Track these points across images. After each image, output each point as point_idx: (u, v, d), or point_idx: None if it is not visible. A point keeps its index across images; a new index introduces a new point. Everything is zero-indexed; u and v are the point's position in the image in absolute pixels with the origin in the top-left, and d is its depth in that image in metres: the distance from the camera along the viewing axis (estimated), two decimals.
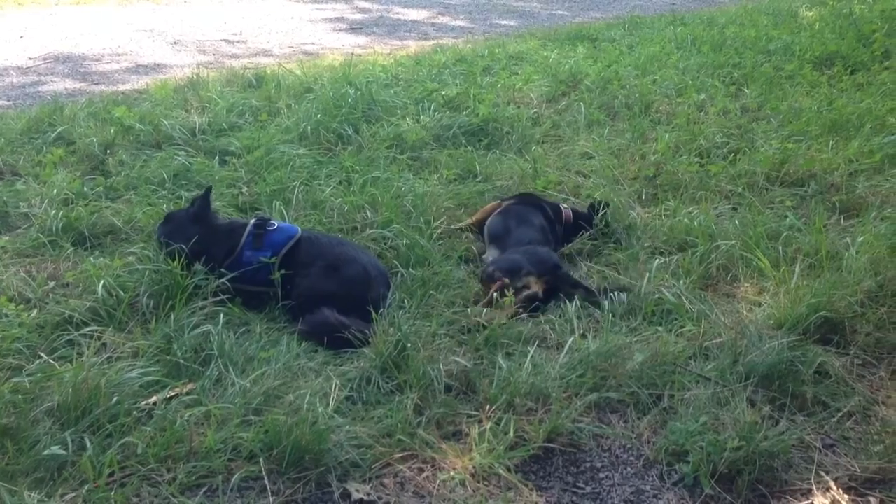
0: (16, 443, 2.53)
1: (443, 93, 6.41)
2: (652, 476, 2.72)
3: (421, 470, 2.66)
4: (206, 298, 3.44)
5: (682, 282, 3.81)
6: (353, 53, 7.96)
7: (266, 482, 2.53)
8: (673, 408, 3.00)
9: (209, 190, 3.79)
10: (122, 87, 6.81)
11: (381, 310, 3.40)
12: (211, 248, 3.61)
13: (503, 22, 11.18)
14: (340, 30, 10.06)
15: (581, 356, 3.17)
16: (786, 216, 4.52)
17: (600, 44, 8.84)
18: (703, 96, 6.64)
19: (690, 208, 4.60)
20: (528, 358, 3.12)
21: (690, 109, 6.31)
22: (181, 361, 3.03)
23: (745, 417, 2.83)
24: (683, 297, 3.66)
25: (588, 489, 2.66)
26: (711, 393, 3.01)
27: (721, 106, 6.37)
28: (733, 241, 4.10)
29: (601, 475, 2.72)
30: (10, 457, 2.48)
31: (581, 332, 3.41)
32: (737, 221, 4.38)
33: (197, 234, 3.60)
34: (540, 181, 4.87)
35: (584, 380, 3.06)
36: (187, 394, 2.87)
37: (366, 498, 2.53)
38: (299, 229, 3.75)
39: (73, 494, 2.38)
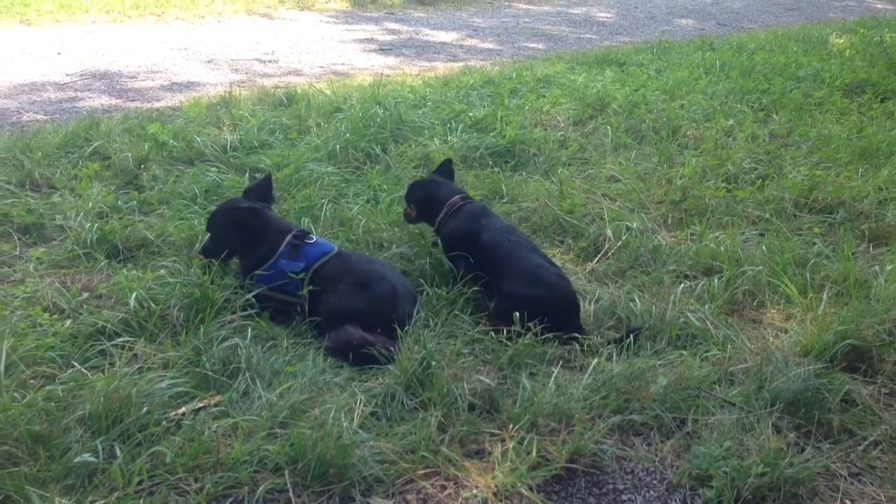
0: (48, 449, 2.57)
1: (470, 114, 6.47)
2: (675, 500, 2.71)
3: (444, 487, 2.67)
4: (234, 312, 3.50)
5: (707, 306, 3.81)
6: (382, 74, 8.06)
7: (291, 495, 2.55)
8: (697, 432, 2.99)
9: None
10: (156, 104, 6.94)
11: (407, 327, 3.43)
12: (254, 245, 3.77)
13: (531, 45, 11.25)
14: (370, 50, 10.18)
15: (605, 378, 3.17)
16: (814, 243, 4.52)
17: (628, 68, 8.87)
18: (731, 122, 6.65)
19: (717, 233, 4.60)
20: (552, 378, 3.12)
21: (718, 134, 6.32)
22: (210, 373, 3.07)
23: (770, 444, 2.82)
24: (708, 322, 3.67)
25: None
26: (736, 418, 3.00)
27: (749, 132, 6.37)
28: (760, 267, 4.10)
29: (623, 497, 2.72)
30: (43, 463, 2.53)
31: (605, 354, 3.41)
32: (764, 247, 4.37)
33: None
34: (566, 203, 4.89)
35: (607, 402, 3.06)
36: (215, 405, 2.91)
37: None
38: (336, 247, 3.82)
39: (104, 501, 2.42)
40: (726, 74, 8.37)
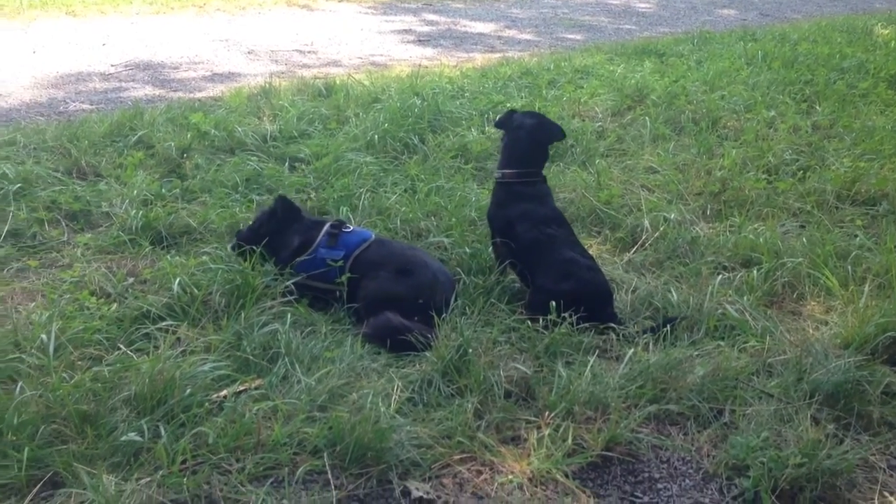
0: (95, 428, 2.65)
1: (508, 105, 6.46)
2: (711, 489, 2.71)
3: (479, 472, 2.70)
4: (274, 298, 3.56)
5: (745, 298, 3.78)
6: (420, 65, 8.08)
7: (329, 476, 2.60)
8: (734, 423, 2.99)
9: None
10: (198, 94, 7.04)
11: (444, 315, 3.46)
12: (290, 240, 3.83)
13: (570, 36, 11.19)
14: (408, 42, 10.21)
15: (641, 367, 3.17)
16: (856, 235, 4.46)
17: (668, 59, 8.79)
18: (772, 113, 6.56)
19: (756, 225, 4.56)
20: (588, 367, 3.13)
21: (759, 126, 6.25)
22: (250, 358, 3.13)
23: (809, 435, 2.80)
24: (747, 313, 3.64)
25: (646, 499, 2.66)
26: (774, 409, 2.99)
27: (791, 123, 6.29)
28: (800, 259, 4.07)
29: (659, 486, 2.72)
30: (90, 441, 2.60)
31: (642, 343, 3.41)
32: (804, 239, 4.33)
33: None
34: (603, 194, 4.88)
35: (643, 391, 3.07)
36: (256, 389, 2.97)
37: (425, 496, 2.58)
38: (373, 234, 3.88)
39: (149, 479, 2.48)
40: (768, 65, 8.25)
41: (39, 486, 2.46)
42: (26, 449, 2.50)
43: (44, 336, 3.03)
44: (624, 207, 4.82)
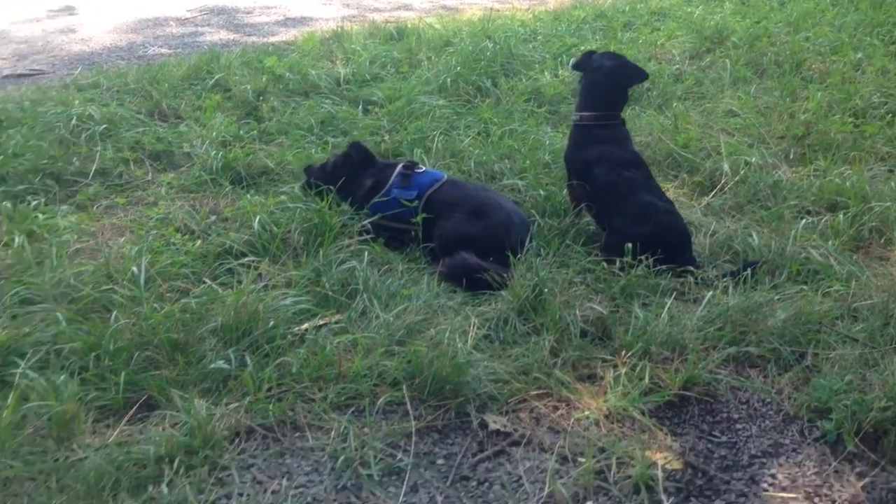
0: (185, 356, 2.77)
1: (582, 48, 6.32)
2: (792, 431, 2.68)
3: (556, 408, 2.73)
4: (351, 237, 3.62)
5: (830, 242, 3.68)
6: (492, 9, 7.96)
7: (409, 408, 2.66)
8: (816, 366, 2.93)
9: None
10: (272, 39, 7.11)
11: (520, 255, 3.46)
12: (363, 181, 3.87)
13: None
14: None
15: (720, 310, 3.13)
16: None
17: None
18: (859, 55, 6.26)
19: (842, 168, 4.41)
20: (665, 309, 3.10)
21: (846, 68, 5.98)
22: (329, 293, 3.20)
23: (895, 379, 2.72)
24: (832, 258, 3.54)
25: (724, 438, 2.65)
26: (859, 354, 2.92)
27: (880, 65, 6.00)
28: (888, 204, 3.92)
29: (738, 426, 2.70)
30: (181, 368, 2.72)
31: (721, 286, 3.35)
32: (893, 184, 4.17)
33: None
34: (680, 138, 4.77)
35: (722, 333, 3.03)
36: (336, 323, 3.04)
37: (502, 429, 2.62)
38: (445, 175, 3.89)
39: (237, 404, 2.59)
40: (855, 6, 7.86)
41: (136, 407, 2.60)
42: (123, 373, 2.63)
43: (134, 268, 3.16)
44: (702, 151, 4.70)
